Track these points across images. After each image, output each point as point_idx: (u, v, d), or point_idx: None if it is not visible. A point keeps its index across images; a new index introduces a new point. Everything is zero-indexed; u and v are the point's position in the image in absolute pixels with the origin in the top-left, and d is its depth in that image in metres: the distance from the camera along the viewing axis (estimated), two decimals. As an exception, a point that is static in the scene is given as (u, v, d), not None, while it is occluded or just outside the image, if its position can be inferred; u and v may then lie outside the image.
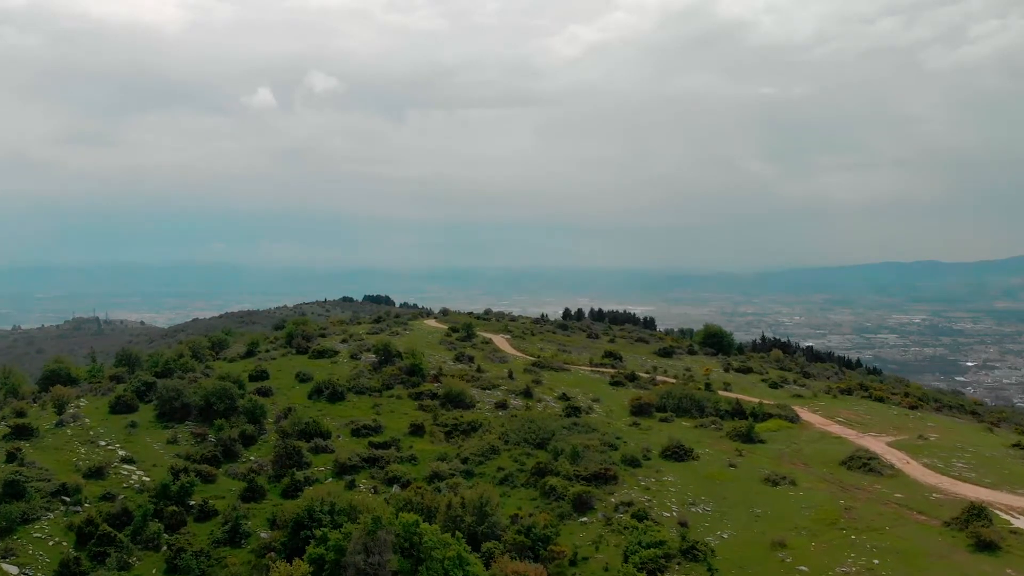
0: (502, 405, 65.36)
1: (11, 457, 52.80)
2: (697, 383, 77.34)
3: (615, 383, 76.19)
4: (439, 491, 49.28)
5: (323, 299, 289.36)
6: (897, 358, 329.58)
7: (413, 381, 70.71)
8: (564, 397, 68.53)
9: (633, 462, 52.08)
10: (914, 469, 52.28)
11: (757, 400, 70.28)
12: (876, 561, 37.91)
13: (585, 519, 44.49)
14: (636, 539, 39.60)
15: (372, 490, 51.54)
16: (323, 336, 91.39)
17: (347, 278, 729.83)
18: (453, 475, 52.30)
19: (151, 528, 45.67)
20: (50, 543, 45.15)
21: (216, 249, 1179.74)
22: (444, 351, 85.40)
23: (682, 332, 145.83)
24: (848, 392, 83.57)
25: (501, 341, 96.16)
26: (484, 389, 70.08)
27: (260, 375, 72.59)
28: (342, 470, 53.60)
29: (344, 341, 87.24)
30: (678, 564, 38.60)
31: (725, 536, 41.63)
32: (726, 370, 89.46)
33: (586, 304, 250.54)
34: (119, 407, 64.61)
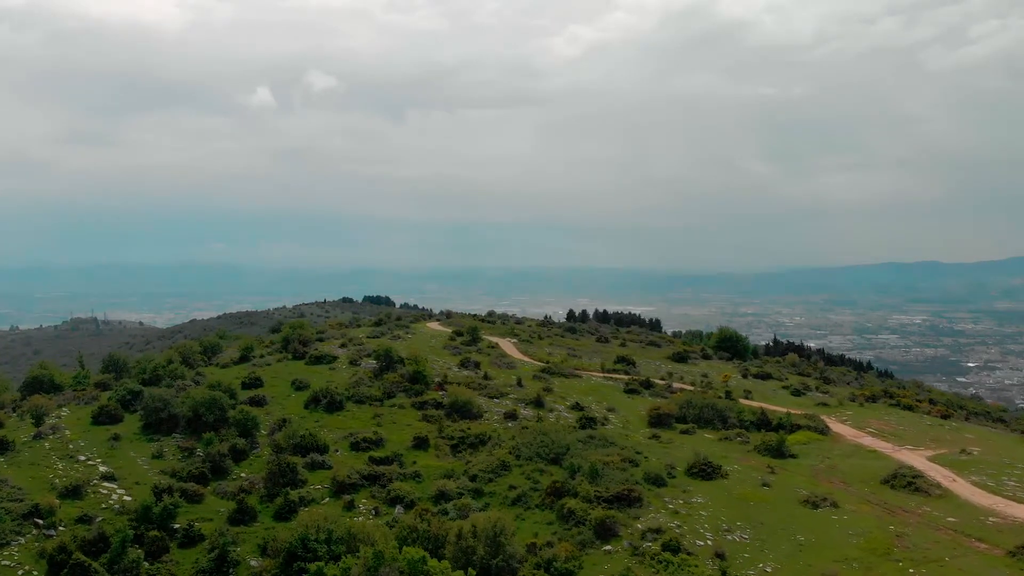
0: (512, 416, 61.10)
1: (-19, 475, 48.55)
2: (716, 391, 73.09)
3: (630, 391, 71.98)
4: (446, 514, 45.11)
5: (323, 300, 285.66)
6: (898, 359, 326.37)
7: (416, 389, 66.47)
8: (577, 407, 64.29)
9: (657, 481, 47.81)
10: (963, 488, 48.05)
11: (784, 410, 66.02)
12: (941, 600, 33.75)
13: (609, 547, 40.20)
14: None
15: (373, 511, 47.34)
16: (321, 340, 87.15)
17: (347, 278, 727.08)
18: (461, 495, 48.07)
19: (130, 556, 41.38)
20: (19, 572, 40.98)
21: (216, 249, 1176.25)
22: (448, 356, 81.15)
23: (693, 335, 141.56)
24: (873, 399, 79.38)
25: (508, 345, 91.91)
26: (492, 398, 65.85)
27: (254, 383, 68.34)
28: (340, 489, 49.35)
29: (343, 346, 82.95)
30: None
31: (768, 570, 37.34)
32: (744, 376, 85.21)
33: (586, 305, 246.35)
34: (102, 418, 60.37)
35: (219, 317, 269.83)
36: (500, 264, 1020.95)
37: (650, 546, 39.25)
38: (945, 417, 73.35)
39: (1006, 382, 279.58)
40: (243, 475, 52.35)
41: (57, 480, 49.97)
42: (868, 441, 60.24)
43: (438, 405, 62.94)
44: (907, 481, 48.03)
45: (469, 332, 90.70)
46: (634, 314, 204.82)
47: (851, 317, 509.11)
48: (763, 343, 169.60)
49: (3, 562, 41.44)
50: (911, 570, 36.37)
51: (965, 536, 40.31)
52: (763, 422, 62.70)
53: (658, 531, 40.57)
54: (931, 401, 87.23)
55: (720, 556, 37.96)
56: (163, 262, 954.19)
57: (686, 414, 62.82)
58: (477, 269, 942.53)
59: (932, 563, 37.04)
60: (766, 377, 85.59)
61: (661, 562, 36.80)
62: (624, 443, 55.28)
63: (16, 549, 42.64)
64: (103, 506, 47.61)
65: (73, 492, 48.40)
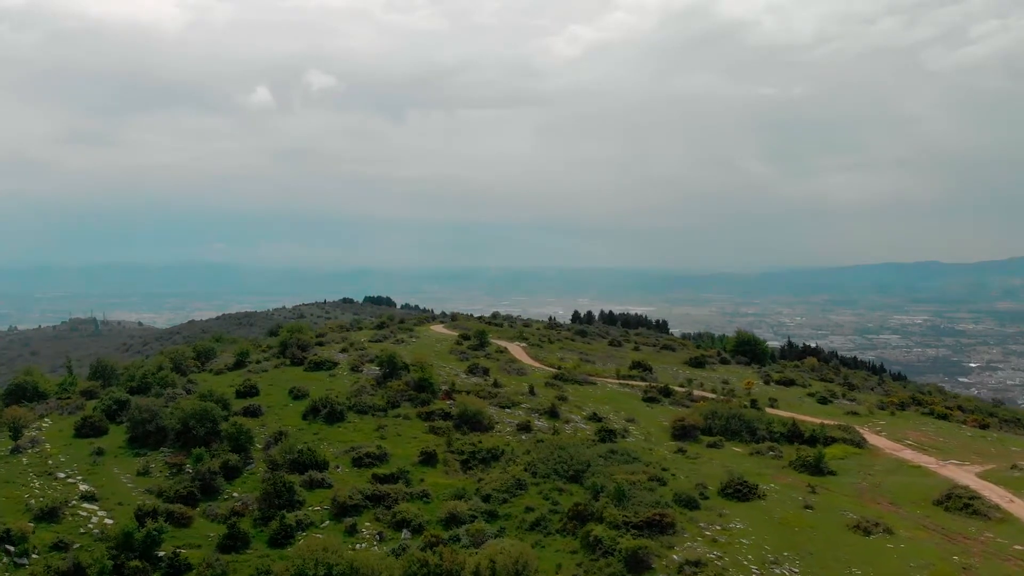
0: (525, 427, 56.86)
1: (-52, 496, 44.32)
2: (741, 399, 68.87)
3: (648, 399, 67.84)
4: (458, 540, 40.93)
5: (323, 300, 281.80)
6: (900, 359, 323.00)
7: (422, 398, 62.21)
8: (595, 417, 60.06)
9: (690, 503, 43.59)
10: (1023, 510, 43.92)
11: (816, 420, 61.81)
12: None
13: (643, 582, 36.01)
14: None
15: (377, 536, 43.10)
16: (320, 344, 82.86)
17: (347, 278, 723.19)
18: (474, 518, 43.87)
19: (108, 590, 37.22)
20: (-16, 608, 36.86)
21: (216, 249, 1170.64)
22: (455, 361, 76.90)
23: (703, 337, 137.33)
24: (902, 407, 75.26)
25: (517, 350, 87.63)
26: (503, 408, 61.59)
27: (249, 391, 64.09)
28: (341, 511, 45.09)
29: (344, 351, 78.62)
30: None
31: (827, 611, 33.18)
32: (766, 382, 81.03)
33: (586, 305, 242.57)
34: (85, 430, 56.18)
35: (218, 318, 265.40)
36: (500, 264, 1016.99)
37: (690, 582, 35.02)
38: (983, 427, 69.31)
39: (1008, 382, 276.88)
40: (235, 494, 48.05)
41: (33, 501, 45.74)
42: (909, 455, 56.13)
43: (446, 416, 58.73)
44: (963, 503, 43.93)
45: (476, 336, 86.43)
46: (640, 315, 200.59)
47: (852, 317, 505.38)
48: (772, 344, 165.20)
49: (-32, 595, 37.35)
50: (988, 612, 32.21)
51: (1038, 568, 36.18)
52: (794, 434, 58.59)
53: (697, 563, 36.31)
54: (960, 408, 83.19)
55: (771, 594, 33.77)
56: (163, 262, 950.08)
57: (712, 425, 58.70)
58: (477, 269, 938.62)
59: (1010, 602, 32.89)
60: (789, 383, 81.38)
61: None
62: (648, 458, 51.09)
63: (-18, 580, 38.49)
64: (81, 530, 43.37)
65: (49, 514, 44.19)
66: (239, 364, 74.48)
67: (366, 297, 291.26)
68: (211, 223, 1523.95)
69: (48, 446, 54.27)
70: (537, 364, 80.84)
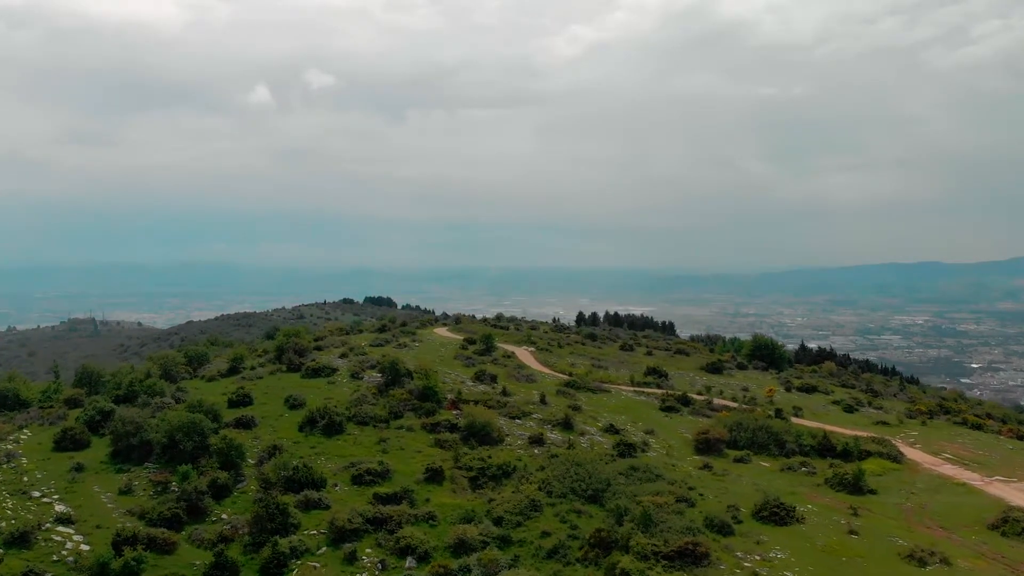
0: (538, 440, 52.94)
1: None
2: (764, 408, 64.97)
3: (667, 408, 63.95)
4: (468, 571, 37.06)
5: (323, 300, 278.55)
6: (902, 360, 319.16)
7: (427, 408, 58.30)
8: (612, 429, 56.16)
9: (722, 528, 39.66)
10: (1087, 535, 40.00)
11: (849, 432, 57.91)
12: None
13: (677, 623, 32.11)
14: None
15: (379, 565, 39.21)
16: (319, 348, 78.97)
17: (347, 278, 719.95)
18: (485, 544, 39.97)
19: (79, 629, 33.34)
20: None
21: (216, 249, 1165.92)
22: (461, 367, 72.98)
23: (713, 339, 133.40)
24: (931, 415, 71.42)
25: (524, 355, 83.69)
26: (513, 418, 57.67)
27: (242, 400, 60.13)
28: (340, 536, 41.16)
29: (343, 356, 74.69)
30: None
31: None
32: (788, 389, 77.13)
33: (587, 305, 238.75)
34: (65, 443, 52.17)
35: (217, 319, 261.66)
36: (500, 264, 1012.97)
37: (731, 624, 31.12)
38: (1021, 438, 65.37)
39: (1010, 383, 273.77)
40: (224, 516, 44.13)
41: (3, 524, 41.83)
42: (950, 470, 52.23)
43: (452, 427, 54.85)
44: (1022, 527, 39.99)
45: (482, 340, 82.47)
46: (646, 316, 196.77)
47: (853, 317, 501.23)
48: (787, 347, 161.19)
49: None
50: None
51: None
52: (826, 447, 54.67)
53: (739, 602, 32.39)
54: (990, 416, 79.34)
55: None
56: (163, 262, 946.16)
57: (737, 438, 54.84)
58: (477, 269, 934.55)
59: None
60: (811, 390, 77.48)
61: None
62: (672, 476, 47.17)
63: (-58, 617, 34.63)
64: (54, 558, 39.42)
65: (20, 539, 40.25)
66: (233, 370, 70.66)
67: (366, 298, 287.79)
68: (211, 223, 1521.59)
69: (25, 461, 50.29)
70: (547, 370, 76.97)
